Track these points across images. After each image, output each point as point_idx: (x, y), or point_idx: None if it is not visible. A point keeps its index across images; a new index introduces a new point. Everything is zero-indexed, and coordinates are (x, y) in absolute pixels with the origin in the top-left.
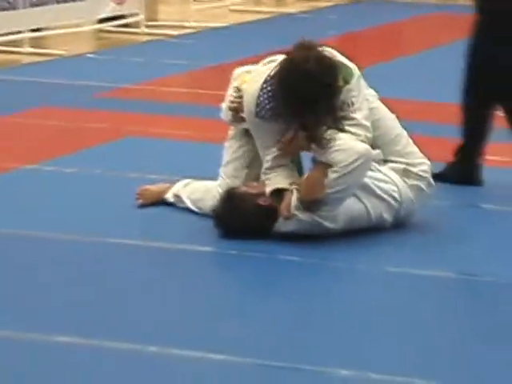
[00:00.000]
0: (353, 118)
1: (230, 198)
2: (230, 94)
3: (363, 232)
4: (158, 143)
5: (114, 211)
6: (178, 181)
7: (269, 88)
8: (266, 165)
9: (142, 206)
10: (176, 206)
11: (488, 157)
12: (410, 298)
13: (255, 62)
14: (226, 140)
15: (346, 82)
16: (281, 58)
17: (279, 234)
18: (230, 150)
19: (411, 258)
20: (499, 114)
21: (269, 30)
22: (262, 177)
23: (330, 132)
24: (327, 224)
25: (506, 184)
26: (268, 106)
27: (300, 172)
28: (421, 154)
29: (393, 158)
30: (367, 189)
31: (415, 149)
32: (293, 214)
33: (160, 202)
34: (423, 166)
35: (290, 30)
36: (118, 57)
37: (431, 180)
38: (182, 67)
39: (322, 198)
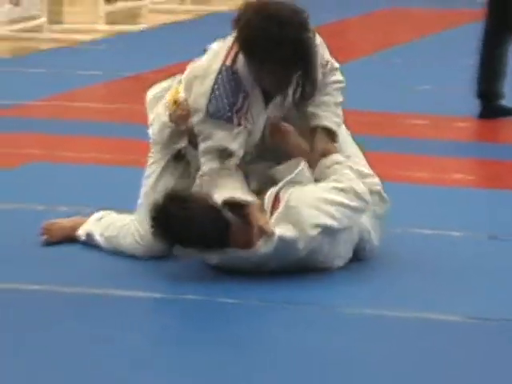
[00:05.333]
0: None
1: (176, 195)
2: (165, 108)
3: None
4: (67, 169)
5: (14, 250)
6: (92, 213)
7: (225, 80)
8: (207, 173)
9: (48, 243)
10: (89, 244)
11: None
12: (364, 344)
13: (181, 69)
14: (147, 164)
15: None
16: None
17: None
18: (153, 178)
19: (368, 297)
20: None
21: (195, 31)
22: (203, 179)
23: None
24: (303, 240)
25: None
26: (225, 101)
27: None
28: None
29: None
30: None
31: (364, 166)
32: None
33: (70, 239)
34: (373, 180)
35: (218, 32)
36: (16, 67)
37: (385, 195)
38: (94, 78)
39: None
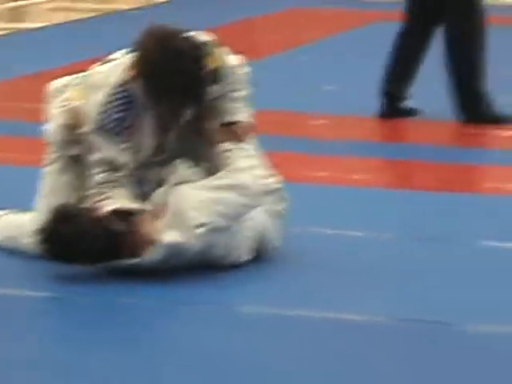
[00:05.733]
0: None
1: (63, 209)
2: (61, 110)
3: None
4: None
5: None
6: None
7: (119, 95)
8: (97, 185)
9: None
10: None
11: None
12: (268, 343)
13: (80, 68)
14: (44, 164)
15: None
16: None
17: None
18: (51, 179)
19: (268, 296)
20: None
21: (95, 30)
22: (92, 191)
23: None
24: (192, 244)
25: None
26: (116, 116)
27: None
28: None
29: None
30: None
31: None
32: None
33: None
34: (274, 178)
35: (120, 30)
36: None
37: (284, 194)
38: None
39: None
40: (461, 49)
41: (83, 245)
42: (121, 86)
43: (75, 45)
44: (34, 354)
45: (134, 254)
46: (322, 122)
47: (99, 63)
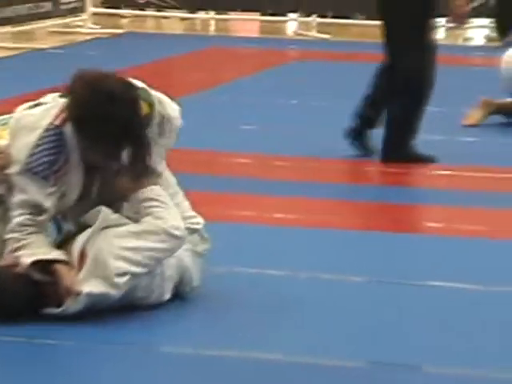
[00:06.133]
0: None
1: None
2: None
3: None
4: None
5: None
6: None
7: (50, 139)
8: (16, 227)
9: None
10: None
11: None
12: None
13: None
14: None
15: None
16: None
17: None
18: None
19: (189, 335)
20: None
21: (15, 69)
22: (11, 235)
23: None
24: (114, 293)
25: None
26: (45, 159)
27: (60, 232)
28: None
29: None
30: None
31: (186, 206)
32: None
33: None
34: (194, 219)
35: (41, 70)
36: None
37: (205, 235)
38: None
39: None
40: (408, 84)
41: (6, 302)
42: (52, 129)
43: None
44: None
45: (56, 304)
46: (242, 160)
47: (27, 105)
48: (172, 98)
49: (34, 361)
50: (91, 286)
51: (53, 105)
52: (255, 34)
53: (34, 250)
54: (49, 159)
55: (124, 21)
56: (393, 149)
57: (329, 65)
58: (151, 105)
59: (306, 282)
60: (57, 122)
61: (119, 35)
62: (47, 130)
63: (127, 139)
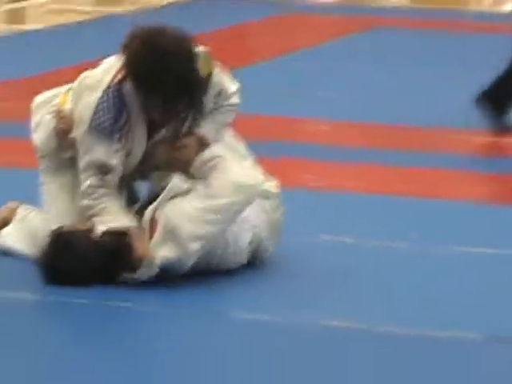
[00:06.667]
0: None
1: (59, 238)
2: (51, 116)
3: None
4: None
5: None
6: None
7: (112, 96)
8: (87, 190)
9: None
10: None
11: None
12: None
13: (75, 72)
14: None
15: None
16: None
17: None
18: (50, 188)
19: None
20: None
21: (91, 33)
22: (84, 203)
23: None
24: (187, 258)
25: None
26: (108, 116)
27: (134, 200)
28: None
29: None
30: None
31: (259, 171)
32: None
33: None
34: (270, 182)
35: (116, 34)
36: None
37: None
38: None
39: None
40: None
41: (81, 268)
42: (113, 86)
43: (72, 48)
44: (32, 360)
45: (130, 270)
46: (320, 128)
47: (90, 69)
48: (234, 77)
49: (107, 323)
50: (165, 251)
51: (112, 64)
52: (336, 0)
53: (106, 216)
54: (112, 116)
55: None
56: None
57: (409, 32)
58: (210, 69)
59: (378, 251)
60: (116, 80)
61: (196, 0)
62: (108, 88)
63: (183, 92)
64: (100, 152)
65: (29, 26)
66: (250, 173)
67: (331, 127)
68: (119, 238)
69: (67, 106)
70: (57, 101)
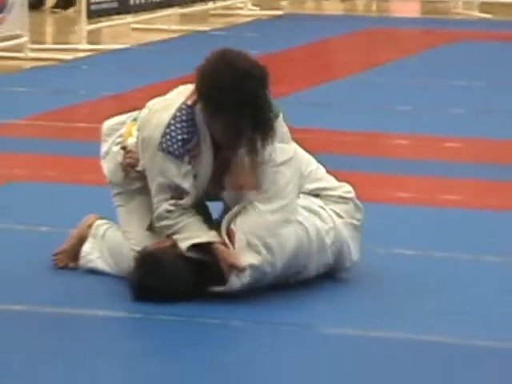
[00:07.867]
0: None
1: (149, 257)
2: (116, 151)
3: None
4: (49, 188)
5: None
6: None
7: (183, 118)
8: (164, 214)
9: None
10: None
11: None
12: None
13: (164, 89)
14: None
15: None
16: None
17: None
18: (126, 215)
19: (351, 317)
20: None
21: (178, 51)
22: (162, 223)
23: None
24: (271, 261)
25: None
26: (179, 137)
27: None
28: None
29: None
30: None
31: (332, 179)
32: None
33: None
34: (344, 188)
35: (203, 51)
36: None
37: (358, 203)
38: (77, 97)
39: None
40: None
41: (170, 285)
42: (185, 108)
43: (160, 65)
44: (126, 378)
45: (220, 282)
46: (399, 142)
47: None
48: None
49: (196, 340)
50: (250, 258)
51: (186, 87)
52: (416, 15)
53: (188, 233)
54: (182, 137)
55: (283, 2)
56: None
57: (491, 45)
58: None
59: (469, 264)
60: (189, 102)
61: (279, 17)
62: (180, 109)
63: (251, 115)
64: (171, 174)
65: (116, 46)
66: (325, 176)
67: (410, 141)
68: (206, 251)
69: (132, 140)
70: (123, 130)
